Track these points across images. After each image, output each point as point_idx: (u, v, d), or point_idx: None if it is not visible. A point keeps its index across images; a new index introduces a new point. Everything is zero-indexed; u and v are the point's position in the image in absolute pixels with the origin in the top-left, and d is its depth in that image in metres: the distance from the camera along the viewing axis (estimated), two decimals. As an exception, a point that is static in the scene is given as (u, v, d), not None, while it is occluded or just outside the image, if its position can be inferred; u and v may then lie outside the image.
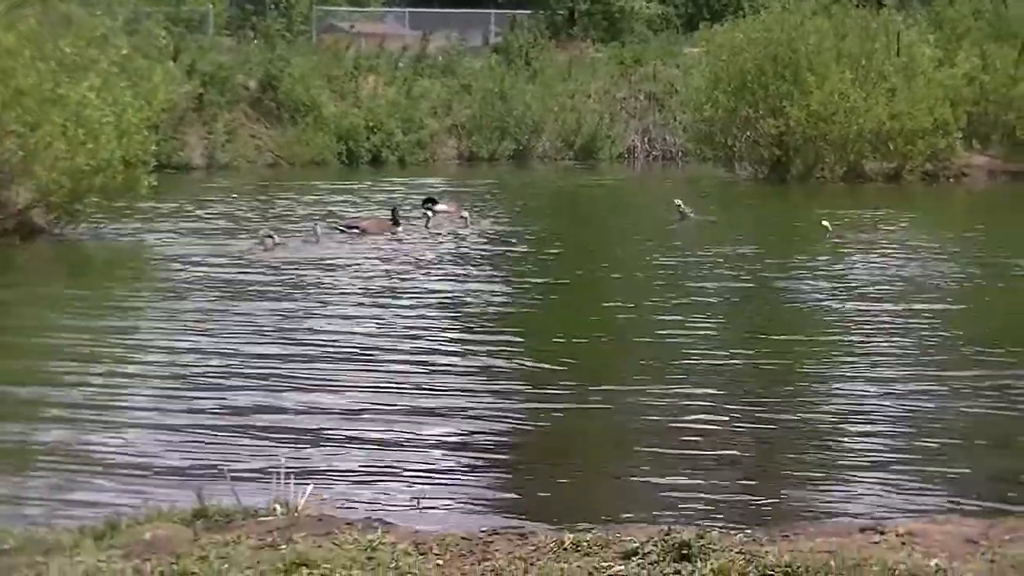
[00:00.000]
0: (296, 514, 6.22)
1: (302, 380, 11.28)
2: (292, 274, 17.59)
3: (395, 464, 8.93)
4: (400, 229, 21.96)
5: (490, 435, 9.73)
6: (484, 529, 6.05)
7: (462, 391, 10.97)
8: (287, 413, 10.18)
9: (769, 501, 8.05)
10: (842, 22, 35.56)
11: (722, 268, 18.47)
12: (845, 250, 20.24)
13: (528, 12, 50.35)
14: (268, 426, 9.77)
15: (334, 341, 13.05)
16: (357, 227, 21.88)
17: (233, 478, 6.97)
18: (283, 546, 5.59)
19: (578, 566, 5.30)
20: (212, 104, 38.32)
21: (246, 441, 9.38)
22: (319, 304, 15.17)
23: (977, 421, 10.10)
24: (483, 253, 20.25)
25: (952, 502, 7.96)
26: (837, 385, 11.41)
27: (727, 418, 10.08)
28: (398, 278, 17.42)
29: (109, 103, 20.69)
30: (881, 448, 9.30)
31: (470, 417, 10.12)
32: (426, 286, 16.70)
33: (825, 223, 21.74)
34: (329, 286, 16.71)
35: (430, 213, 23.51)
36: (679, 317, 14.40)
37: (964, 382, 11.24)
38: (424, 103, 42.53)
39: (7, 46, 20.05)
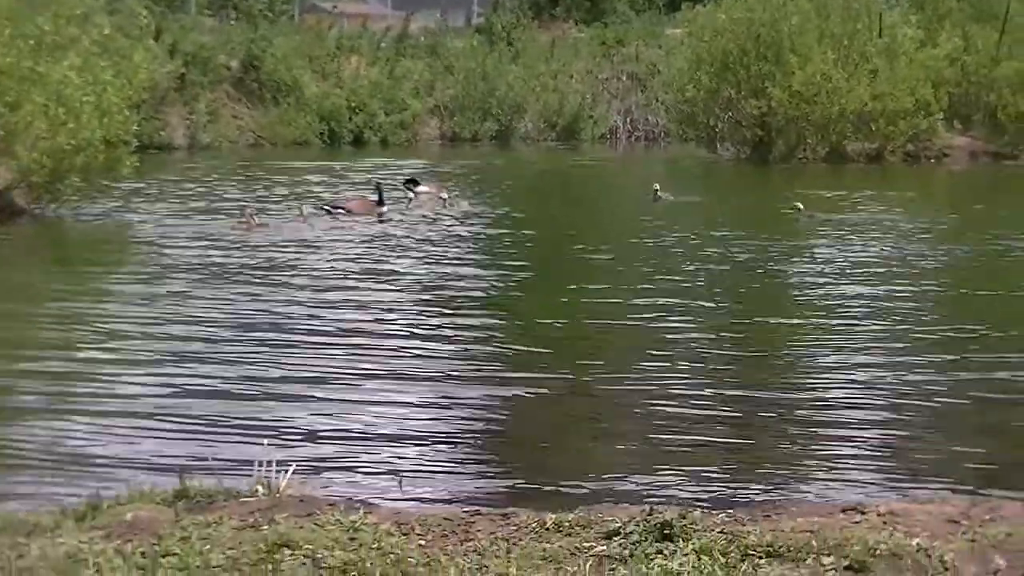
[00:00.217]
0: (278, 495, 6.20)
1: (283, 365, 11.22)
2: (273, 256, 17.55)
3: (376, 447, 8.92)
4: (385, 209, 21.96)
5: (471, 419, 9.72)
6: (466, 510, 6.04)
7: (442, 374, 10.94)
8: (268, 399, 10.14)
9: (751, 483, 8.06)
10: (824, 3, 35.59)
11: (702, 250, 18.49)
12: (822, 230, 20.30)
13: (511, -8, 50.40)
14: (249, 411, 9.73)
15: (316, 326, 12.99)
16: (343, 208, 21.87)
17: (214, 460, 6.95)
18: (265, 527, 5.57)
19: (560, 546, 5.29)
20: (194, 84, 38.21)
21: (227, 426, 9.33)
22: (298, 288, 15.10)
23: (959, 403, 10.12)
24: (463, 235, 20.23)
25: (934, 484, 7.97)
26: (818, 367, 11.41)
27: (709, 400, 10.09)
28: (378, 260, 17.40)
29: (90, 82, 20.59)
30: (863, 430, 9.31)
31: (451, 400, 10.11)
32: (405, 269, 16.67)
33: (798, 204, 21.83)
34: (309, 268, 16.64)
35: (411, 194, 23.50)
36: (660, 300, 14.40)
37: (946, 364, 11.26)
38: (406, 83, 42.48)
39: (-15, 24, 19.97)
